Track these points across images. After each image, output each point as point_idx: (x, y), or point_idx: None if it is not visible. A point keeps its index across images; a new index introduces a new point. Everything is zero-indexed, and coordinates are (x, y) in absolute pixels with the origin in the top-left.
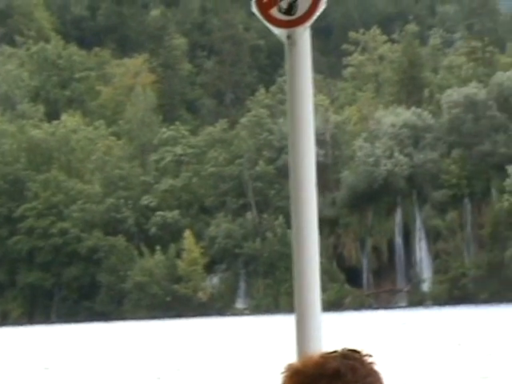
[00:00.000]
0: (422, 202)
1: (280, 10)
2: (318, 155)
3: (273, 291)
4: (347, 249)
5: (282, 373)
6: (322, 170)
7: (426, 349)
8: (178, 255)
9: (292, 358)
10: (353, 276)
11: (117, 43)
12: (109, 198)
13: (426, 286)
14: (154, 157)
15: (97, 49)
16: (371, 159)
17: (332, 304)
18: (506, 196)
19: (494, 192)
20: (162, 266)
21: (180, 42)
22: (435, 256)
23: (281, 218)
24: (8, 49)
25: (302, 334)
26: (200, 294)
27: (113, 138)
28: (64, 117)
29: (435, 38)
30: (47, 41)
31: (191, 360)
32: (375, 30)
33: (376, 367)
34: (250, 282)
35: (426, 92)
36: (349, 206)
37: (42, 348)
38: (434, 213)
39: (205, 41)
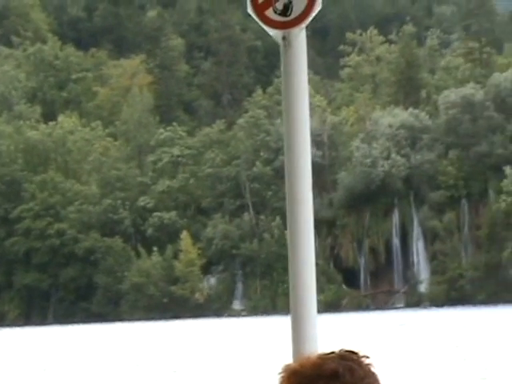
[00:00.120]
0: (419, 203)
1: (275, 11)
2: (315, 156)
3: (270, 292)
4: (344, 250)
5: (279, 373)
6: (319, 171)
7: (424, 350)
8: (175, 256)
9: (288, 358)
10: (350, 277)
11: (114, 44)
12: (106, 199)
13: (423, 287)
14: (151, 158)
15: (93, 50)
16: (368, 160)
17: (329, 305)
18: (503, 197)
19: (491, 193)
20: (159, 267)
21: (177, 42)
22: (432, 257)
23: (278, 219)
24: (5, 50)
25: (298, 334)
26: (197, 295)
27: (110, 138)
28: (61, 118)
29: (432, 39)
30: (44, 42)
31: (188, 361)
32: (372, 31)
33: (373, 369)
34: (248, 283)
35: (423, 93)
36: (346, 207)
37: (39, 349)
38: (431, 214)
39: (202, 42)
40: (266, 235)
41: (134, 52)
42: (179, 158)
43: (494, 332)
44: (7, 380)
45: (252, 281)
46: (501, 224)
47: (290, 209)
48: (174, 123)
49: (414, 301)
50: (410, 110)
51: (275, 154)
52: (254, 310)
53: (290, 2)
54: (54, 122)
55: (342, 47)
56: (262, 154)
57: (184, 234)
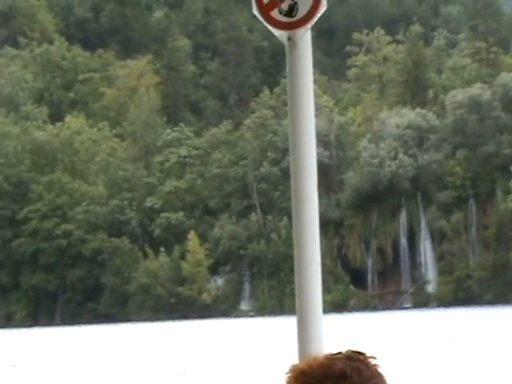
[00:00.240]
0: (426, 203)
1: (281, 12)
2: (322, 156)
3: (277, 293)
4: (352, 250)
5: (287, 373)
6: (326, 171)
7: (431, 350)
8: (183, 257)
9: (294, 359)
10: (357, 277)
11: (120, 45)
12: (113, 199)
13: (430, 288)
14: (158, 158)
15: (100, 50)
16: (375, 160)
17: (337, 305)
18: (510, 197)
19: (498, 193)
20: (166, 268)
21: (184, 43)
22: (440, 257)
23: (285, 220)
24: (12, 50)
25: (304, 334)
26: (204, 296)
27: (117, 139)
28: (68, 118)
29: (439, 39)
30: (51, 42)
31: (196, 362)
32: (379, 31)
33: (380, 369)
34: (255, 284)
35: (431, 93)
36: (353, 208)
37: (47, 350)
38: (438, 214)
39: (208, 42)
40: (274, 235)
41: (140, 53)
42: (186, 159)
43: (502, 332)
44: (15, 380)
45: (259, 281)
46: (508, 224)
47: (295, 209)
48: (181, 124)
49: (422, 301)
50: (417, 110)
51: (282, 155)
52: (262, 310)
53: (296, 3)
54: (60, 123)
55: (348, 47)
56: (269, 154)
57: (191, 235)
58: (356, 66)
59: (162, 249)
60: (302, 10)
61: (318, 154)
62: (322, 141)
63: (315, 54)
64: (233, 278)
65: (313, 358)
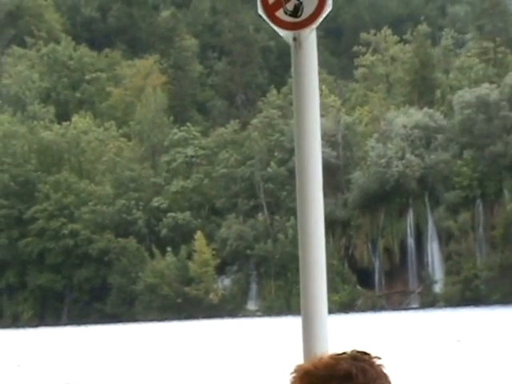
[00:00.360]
0: (433, 203)
1: (286, 12)
2: (329, 156)
3: (284, 293)
4: (359, 250)
5: (291, 373)
6: (333, 171)
7: (438, 350)
8: (190, 257)
9: (299, 359)
10: (364, 277)
11: (127, 44)
12: (120, 199)
13: (438, 288)
14: (164, 158)
15: (107, 50)
16: (383, 160)
17: (344, 305)
18: None
19: (506, 193)
20: (173, 268)
21: (191, 43)
22: (447, 257)
23: (292, 220)
24: (18, 50)
25: (309, 334)
26: (211, 296)
27: (123, 139)
28: (75, 118)
29: (446, 39)
30: (58, 42)
31: (203, 362)
32: (386, 31)
33: (385, 369)
34: (262, 284)
35: (438, 93)
36: (360, 208)
37: (54, 350)
38: (445, 214)
39: (215, 42)
40: (281, 235)
41: (147, 52)
42: (193, 159)
43: (510, 332)
44: (21, 381)
45: (266, 281)
46: None
47: (300, 209)
48: (188, 123)
49: (429, 301)
50: (425, 109)
51: (289, 155)
52: (269, 310)
53: (301, 3)
54: (67, 123)
55: (356, 47)
56: (276, 154)
57: (198, 235)
58: (363, 66)
59: (169, 249)
60: (308, 10)
61: (325, 153)
62: (329, 141)
63: (323, 53)
64: (240, 277)
65: (318, 358)
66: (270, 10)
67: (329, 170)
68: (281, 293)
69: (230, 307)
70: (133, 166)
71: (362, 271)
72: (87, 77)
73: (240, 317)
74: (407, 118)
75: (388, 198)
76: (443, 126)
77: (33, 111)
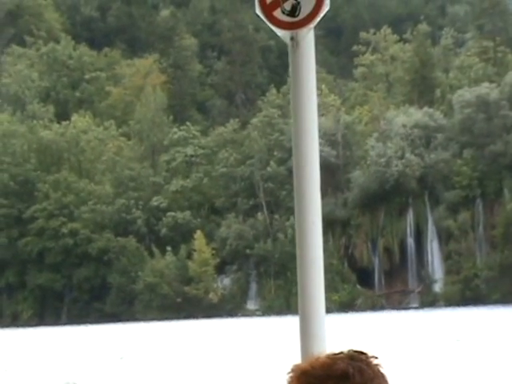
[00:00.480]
0: (433, 203)
1: (283, 12)
2: (329, 156)
3: (284, 292)
4: (359, 249)
5: (288, 373)
6: (333, 170)
7: (438, 350)
8: (189, 256)
9: (297, 358)
10: (364, 277)
11: (127, 44)
12: (119, 198)
13: (437, 287)
14: (164, 157)
15: (107, 49)
16: (382, 160)
17: (344, 305)
18: None
19: (506, 192)
20: (172, 267)
21: (190, 42)
22: (447, 257)
23: (292, 219)
24: (18, 49)
25: (306, 334)
26: (211, 295)
27: (123, 138)
28: (74, 117)
29: (446, 38)
30: (57, 41)
31: (202, 361)
32: (386, 30)
33: (382, 369)
34: (262, 283)
35: (438, 92)
36: (360, 207)
37: (53, 350)
38: (445, 213)
39: (215, 41)
40: (280, 235)
41: (147, 51)
42: (193, 158)
43: (510, 332)
44: (20, 380)
45: (266, 281)
46: None
47: (298, 209)
48: (188, 123)
49: (429, 301)
50: (425, 109)
51: (289, 154)
52: (268, 309)
53: (298, 3)
54: (67, 122)
55: (355, 47)
56: (275, 153)
57: (198, 234)
58: (363, 65)
59: (169, 248)
60: (305, 10)
61: (324, 153)
62: (329, 140)
63: (322, 53)
64: (239, 277)
65: (315, 357)
66: (267, 10)
67: (328, 169)
68: (280, 292)
69: (230, 307)
70: (132, 165)
71: (361, 271)
72: (87, 76)
73: (240, 316)
74: (407, 117)
75: (388, 197)
76: (443, 126)
77: (32, 110)
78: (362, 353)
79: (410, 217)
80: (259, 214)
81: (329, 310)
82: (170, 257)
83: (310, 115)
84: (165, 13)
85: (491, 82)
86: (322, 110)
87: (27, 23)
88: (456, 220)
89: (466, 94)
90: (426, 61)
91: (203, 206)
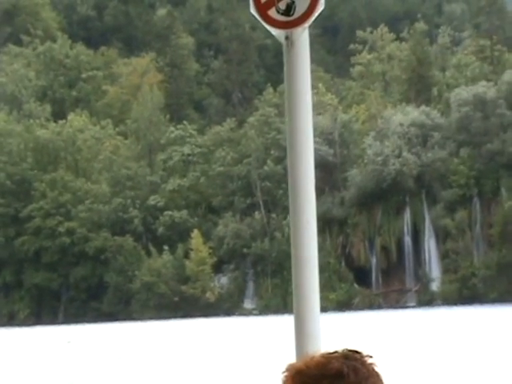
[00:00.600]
0: (430, 202)
1: (278, 11)
2: (326, 154)
3: (281, 291)
4: (356, 248)
5: (283, 372)
6: (330, 169)
7: (435, 348)
8: (186, 255)
9: (290, 357)
10: (361, 276)
11: (123, 43)
12: (116, 197)
13: (435, 286)
14: (161, 156)
15: (103, 48)
16: (380, 158)
17: (341, 304)
18: None
19: (503, 191)
20: (169, 266)
21: (187, 41)
22: (444, 255)
23: (289, 218)
24: (15, 48)
25: (301, 333)
26: (208, 294)
27: (120, 137)
28: (71, 116)
29: (443, 37)
30: (54, 40)
31: (199, 360)
32: (383, 29)
33: (376, 368)
34: (259, 282)
35: (435, 91)
36: (357, 206)
37: (50, 349)
38: (442, 212)
39: (212, 40)
40: (277, 234)
41: (143, 50)
42: (190, 157)
43: (507, 331)
44: (17, 380)
45: (263, 280)
46: None
47: (293, 208)
48: (185, 122)
49: (426, 299)
50: (422, 107)
51: (286, 153)
52: (265, 308)
53: (293, 2)
54: (63, 121)
55: (352, 45)
56: (272, 152)
57: (195, 233)
58: (360, 64)
59: (166, 247)
60: (300, 9)
61: (322, 151)
62: (326, 139)
63: (319, 52)
64: (236, 276)
65: (310, 357)
66: (262, 9)
67: (326, 168)
68: (277, 291)
69: (227, 306)
70: (129, 164)
71: (358, 269)
72: (83, 75)
73: (237, 315)
74: (404, 115)
75: (385, 196)
76: (440, 124)
77: (29, 110)
78: (356, 352)
79: (407, 215)
80: (256, 212)
81: (326, 309)
82: (167, 256)
83: (304, 114)
84: (161, 12)
85: (488, 80)
86: (319, 108)
87: (24, 22)
88: (453, 219)
89: (463, 92)
90: (423, 59)
91: (200, 205)
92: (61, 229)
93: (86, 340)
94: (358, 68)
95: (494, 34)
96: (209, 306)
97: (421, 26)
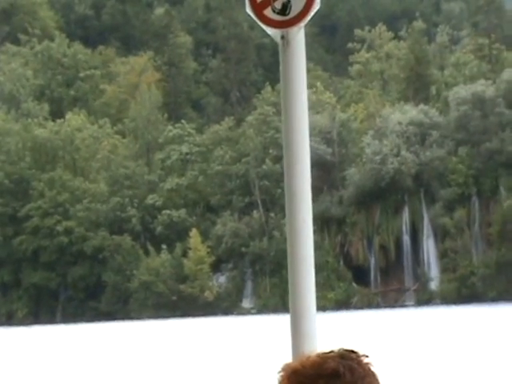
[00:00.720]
0: (429, 200)
1: (274, 11)
2: (324, 153)
3: (279, 290)
4: (354, 247)
5: (279, 372)
6: (328, 168)
7: (434, 348)
8: (185, 254)
9: (287, 357)
10: (360, 275)
11: (121, 42)
12: (114, 196)
13: (433, 285)
14: (159, 155)
15: (101, 47)
16: (378, 157)
17: (339, 303)
18: None
19: (502, 190)
20: (168, 265)
21: (185, 40)
22: (443, 254)
23: None
24: (12, 47)
25: (297, 332)
26: (206, 294)
27: (118, 136)
28: (69, 115)
29: (442, 36)
30: (52, 39)
31: (198, 360)
32: (381, 28)
33: (373, 368)
34: (257, 281)
35: (433, 89)
36: (356, 205)
37: (48, 348)
38: (441, 211)
39: (210, 39)
40: (276, 233)
41: (141, 49)
42: (188, 156)
43: (506, 330)
44: (15, 380)
45: (261, 279)
46: None
47: (288, 207)
48: (183, 121)
49: (425, 298)
50: (420, 106)
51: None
52: (264, 308)
53: (289, 1)
54: (61, 120)
55: (350, 44)
56: (271, 151)
57: (193, 232)
58: (358, 63)
59: (164, 246)
60: (296, 9)
61: (320, 150)
62: (325, 138)
63: (317, 50)
64: (235, 275)
65: (305, 356)
66: (257, 9)
67: (324, 166)
68: (276, 290)
69: (225, 305)
70: (127, 163)
71: (357, 268)
72: (81, 74)
73: (235, 314)
74: (402, 114)
75: (383, 194)
76: (438, 123)
77: (27, 109)
78: (352, 351)
79: (405, 214)
80: (255, 212)
81: (324, 308)
82: (165, 255)
83: (300, 114)
84: (159, 11)
85: (486, 79)
86: (318, 107)
87: (21, 21)
88: (452, 218)
89: (462, 91)
90: (421, 58)
91: (198, 204)
92: (59, 228)
93: (84, 339)
94: (356, 67)
95: (492, 33)
96: (207, 305)
97: (419, 24)
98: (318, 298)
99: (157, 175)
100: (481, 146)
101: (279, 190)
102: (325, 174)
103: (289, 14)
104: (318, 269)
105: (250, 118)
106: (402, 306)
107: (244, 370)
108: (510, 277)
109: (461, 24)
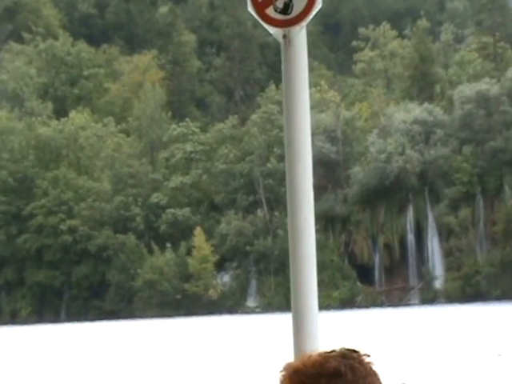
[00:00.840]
0: (433, 199)
1: (276, 10)
2: (329, 152)
3: (284, 289)
4: (359, 246)
5: (281, 371)
6: (333, 166)
7: (438, 346)
8: (189, 253)
9: (290, 356)
10: (365, 273)
11: (125, 40)
12: (118, 195)
13: (438, 284)
14: (163, 154)
15: (105, 46)
16: (382, 156)
17: (344, 302)
18: None
19: (506, 189)
20: (172, 264)
21: (189, 38)
22: (447, 253)
23: None
24: (16, 46)
25: (299, 331)
26: (211, 292)
27: (122, 135)
28: (72, 114)
29: (446, 34)
30: (55, 38)
31: (202, 359)
32: (385, 26)
33: (374, 367)
34: (261, 280)
35: (437, 88)
36: (360, 203)
37: (52, 347)
38: (446, 210)
39: (214, 37)
40: (280, 231)
41: (145, 48)
42: (192, 154)
43: (510, 328)
44: (19, 378)
45: (266, 277)
46: None
47: (290, 206)
48: (187, 119)
49: (429, 297)
50: (425, 105)
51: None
52: (268, 306)
53: (291, 1)
54: (65, 119)
55: (355, 43)
56: (275, 149)
57: (197, 231)
58: (362, 61)
59: (168, 245)
60: (297, 8)
61: (324, 149)
62: (329, 136)
63: (321, 49)
64: (239, 274)
65: (307, 355)
66: (259, 8)
67: (328, 165)
68: (280, 289)
69: (230, 303)
70: (131, 162)
71: (362, 267)
72: (85, 73)
73: (239, 313)
74: (407, 113)
75: (388, 193)
76: (443, 121)
77: (31, 107)
78: (354, 351)
79: (410, 213)
80: (259, 210)
81: (329, 307)
82: (169, 254)
83: (302, 112)
84: (163, 9)
85: (491, 77)
86: (322, 106)
87: (25, 20)
88: (456, 216)
89: (466, 89)
90: (426, 57)
91: (203, 203)
92: (63, 227)
93: (88, 338)
94: (360, 65)
95: (496, 31)
96: (211, 303)
97: (423, 23)
98: (322, 296)
99: (161, 174)
100: (485, 145)
101: (283, 189)
102: (329, 172)
103: (290, 13)
104: (323, 267)
105: (254, 117)
106: (407, 304)
107: (248, 369)
108: None
109: (465, 22)
